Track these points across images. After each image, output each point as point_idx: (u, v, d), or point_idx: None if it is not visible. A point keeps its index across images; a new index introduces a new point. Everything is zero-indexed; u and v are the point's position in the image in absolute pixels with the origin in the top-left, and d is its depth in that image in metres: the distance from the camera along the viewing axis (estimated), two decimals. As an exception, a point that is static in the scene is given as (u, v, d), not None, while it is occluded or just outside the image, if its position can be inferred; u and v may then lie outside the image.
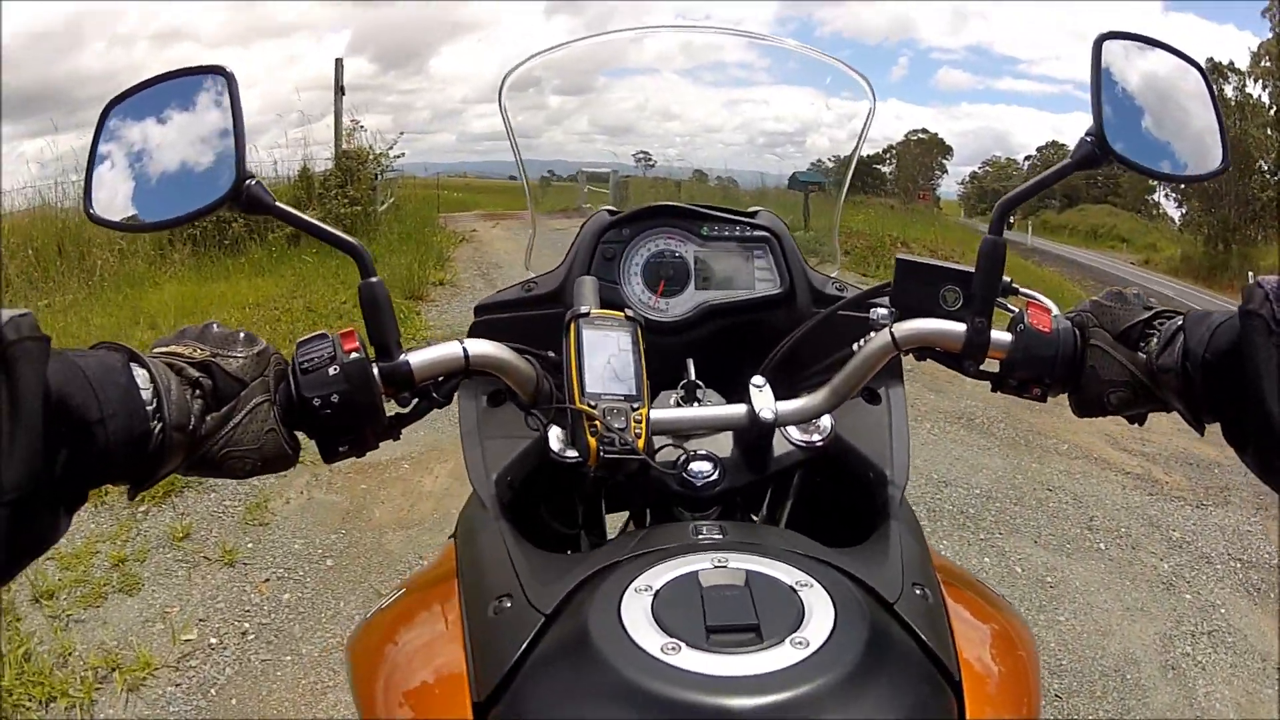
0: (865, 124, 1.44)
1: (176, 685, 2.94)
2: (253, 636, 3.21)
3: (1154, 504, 4.92)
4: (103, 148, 0.96)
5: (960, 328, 1.04)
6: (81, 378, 0.71)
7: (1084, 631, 3.57)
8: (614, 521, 1.29)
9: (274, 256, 10.50)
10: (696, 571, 0.81)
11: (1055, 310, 1.04)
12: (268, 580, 3.57)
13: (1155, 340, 0.95)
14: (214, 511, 4.09)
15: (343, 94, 12.76)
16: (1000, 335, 1.03)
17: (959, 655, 0.84)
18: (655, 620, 0.74)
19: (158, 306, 7.87)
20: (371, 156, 12.95)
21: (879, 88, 1.46)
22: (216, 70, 0.95)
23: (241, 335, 0.91)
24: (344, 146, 12.78)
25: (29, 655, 2.99)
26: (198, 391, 0.84)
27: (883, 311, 1.12)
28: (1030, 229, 53.95)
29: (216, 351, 0.88)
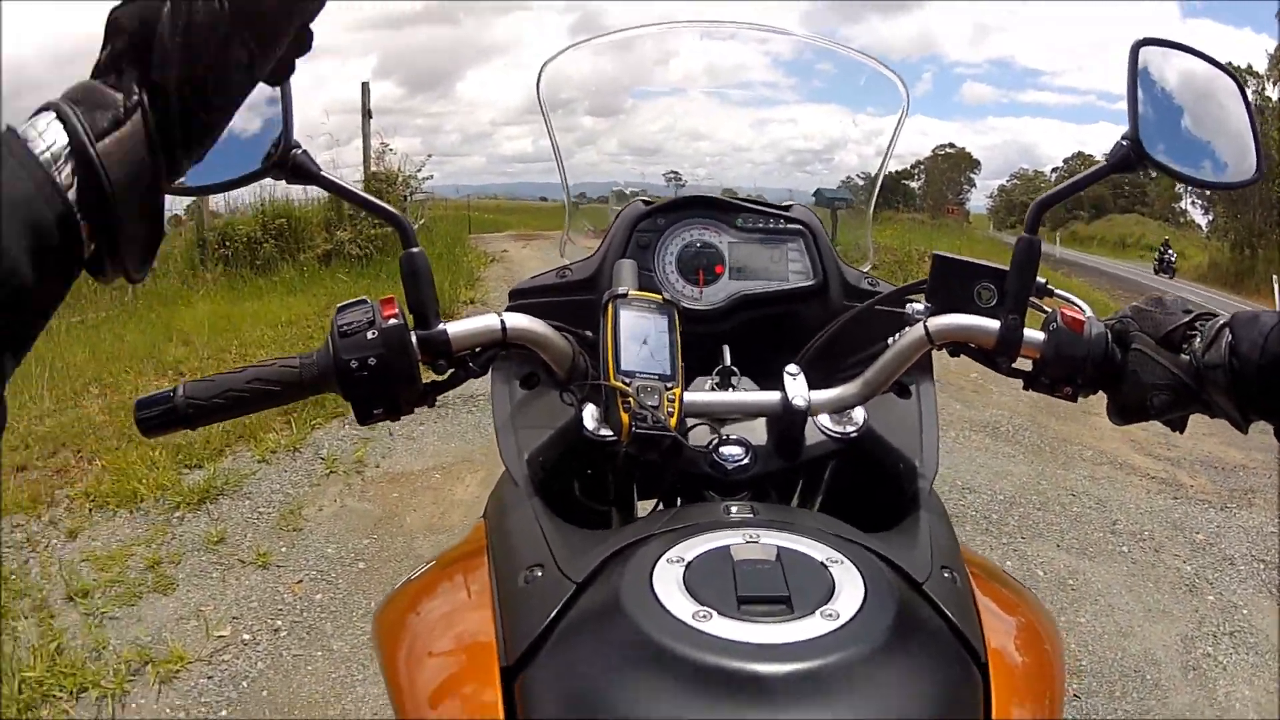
0: (900, 120, 1.44)
1: (209, 678, 3.01)
2: (285, 633, 3.28)
3: (1178, 507, 4.90)
4: None
5: (994, 324, 1.04)
6: None
7: (1104, 633, 3.57)
8: (644, 509, 1.28)
9: (306, 276, 10.59)
10: (728, 545, 0.81)
11: (1089, 312, 1.05)
12: (301, 581, 3.64)
13: (1198, 340, 0.95)
14: (248, 518, 4.16)
15: (370, 117, 12.86)
16: (1033, 334, 1.03)
17: (985, 639, 0.84)
18: (687, 589, 0.74)
19: (190, 324, 7.98)
20: (401, 178, 13.03)
21: (892, 99, 1.46)
22: None
23: None
24: (373, 169, 12.87)
25: (61, 649, 3.05)
26: None
27: (918, 307, 1.13)
28: (1059, 240, 53.25)
29: None
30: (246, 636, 3.25)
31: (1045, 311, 1.07)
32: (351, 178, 12.77)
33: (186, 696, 2.92)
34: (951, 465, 5.18)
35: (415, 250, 1.02)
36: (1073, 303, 1.07)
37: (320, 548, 3.93)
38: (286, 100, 0.95)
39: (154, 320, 8.37)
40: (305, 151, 0.97)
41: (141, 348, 7.14)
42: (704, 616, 0.70)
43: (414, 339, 0.98)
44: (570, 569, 0.85)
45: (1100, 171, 1.02)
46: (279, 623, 3.34)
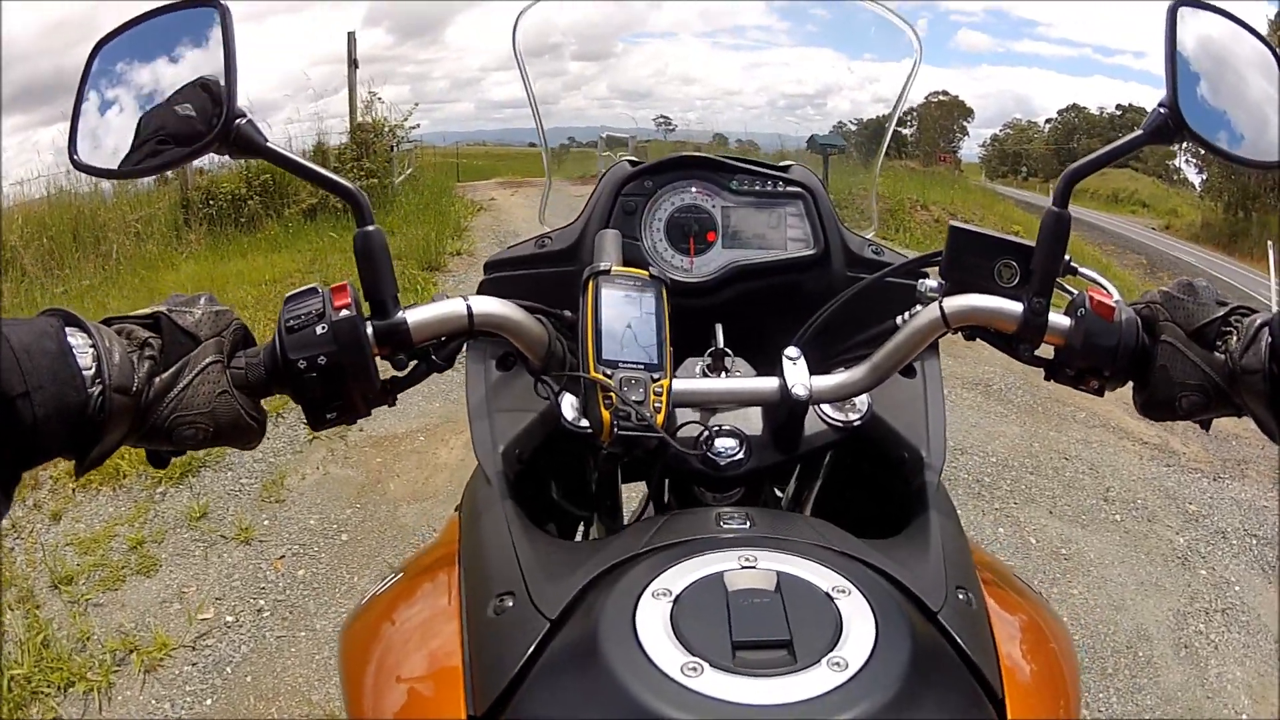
0: (911, 73, 1.35)
1: (193, 665, 2.97)
2: (268, 613, 3.24)
3: (1171, 475, 4.88)
4: (90, 91, 0.91)
5: (1017, 307, 0.96)
6: (5, 349, 0.66)
7: (1097, 605, 3.55)
8: (630, 491, 1.24)
9: (290, 232, 10.47)
10: (721, 573, 0.73)
11: (1118, 297, 0.96)
12: (283, 557, 3.60)
13: (1235, 339, 0.88)
14: (231, 490, 4.11)
15: (356, 67, 12.68)
16: (1059, 319, 0.96)
17: (1000, 667, 0.79)
18: (675, 633, 0.67)
19: (174, 287, 7.84)
20: (387, 128, 12.89)
21: (900, 49, 1.40)
22: (209, 3, 0.88)
23: (203, 298, 0.85)
24: (361, 119, 12.71)
25: (47, 642, 3.01)
26: (146, 352, 0.78)
27: (932, 284, 1.06)
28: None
29: (171, 308, 0.83)
30: (230, 618, 3.21)
31: (1070, 294, 0.99)
32: (338, 130, 12.64)
33: (171, 686, 2.89)
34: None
35: (371, 229, 0.90)
36: (1101, 285, 1.00)
37: (303, 520, 3.89)
38: (231, 70, 0.87)
39: (138, 285, 8.21)
40: (250, 121, 0.87)
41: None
42: (693, 670, 0.63)
43: (370, 331, 0.88)
44: (544, 600, 0.78)
45: (1136, 140, 0.94)
46: (261, 602, 3.30)
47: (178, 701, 2.82)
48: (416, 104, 14.98)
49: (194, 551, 3.63)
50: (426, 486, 4.17)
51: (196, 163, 10.57)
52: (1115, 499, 4.52)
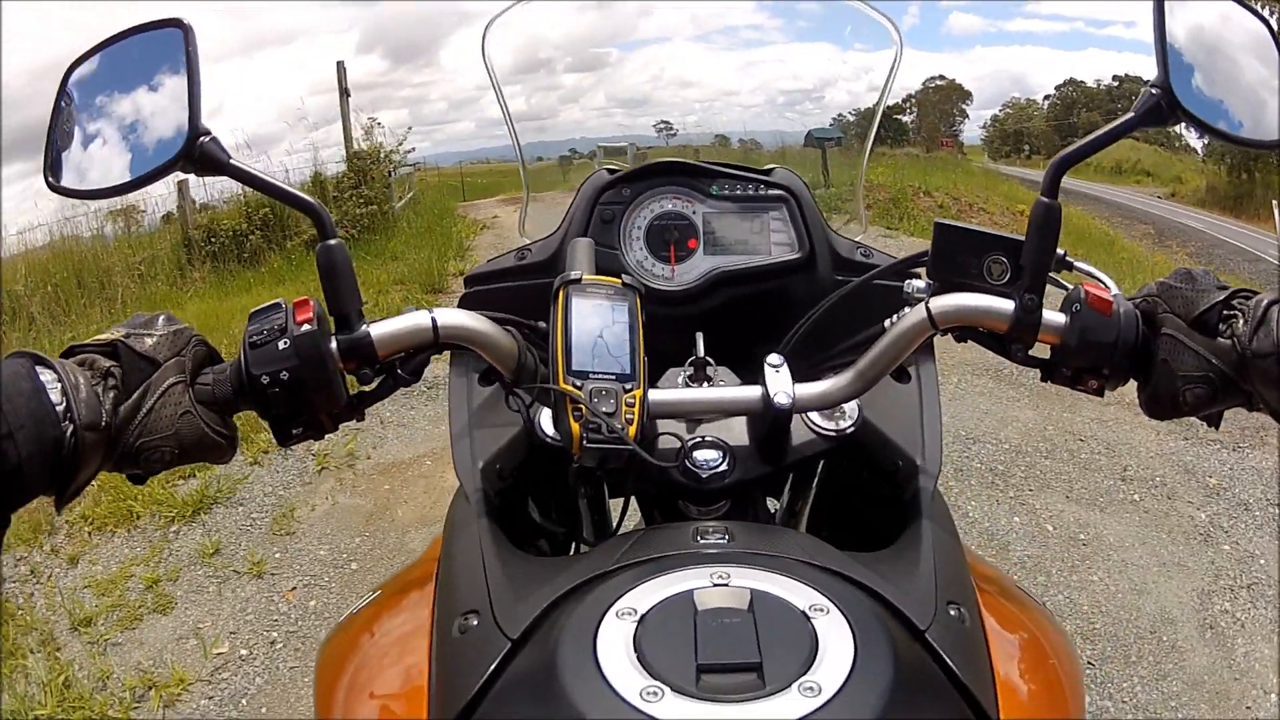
0: (892, 69, 1.30)
1: (210, 698, 2.99)
2: (281, 645, 3.25)
3: (1189, 449, 4.77)
4: (63, 113, 0.91)
5: (1008, 305, 0.90)
6: None
7: (1118, 591, 3.47)
8: (618, 507, 1.21)
9: (293, 264, 10.50)
10: (692, 591, 0.71)
11: (1115, 290, 0.91)
12: (294, 589, 3.60)
13: (1240, 322, 0.82)
14: (242, 525, 4.12)
15: (348, 96, 12.73)
16: (1053, 316, 0.91)
17: (996, 685, 0.76)
18: (637, 655, 0.64)
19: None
20: (383, 154, 12.91)
21: (881, 43, 1.35)
22: (174, 24, 0.88)
23: (161, 317, 0.86)
24: (361, 146, 12.74)
25: (69, 682, 3.04)
26: (110, 382, 0.78)
27: (919, 284, 1.01)
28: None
29: (130, 332, 0.83)
30: (244, 652, 3.22)
31: (1065, 289, 0.94)
32: (335, 159, 12.68)
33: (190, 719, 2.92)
34: (955, 414, 5.07)
35: (333, 242, 0.89)
36: (1096, 278, 0.95)
37: (313, 550, 3.89)
38: (194, 88, 0.86)
39: (145, 328, 8.22)
40: (214, 139, 0.86)
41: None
42: (653, 695, 0.60)
43: (334, 345, 0.86)
44: (507, 619, 0.77)
45: (1128, 124, 0.87)
46: (274, 634, 3.31)
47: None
48: (410, 128, 14.99)
49: (208, 588, 3.64)
50: (434, 511, 4.15)
51: (196, 199, 10.70)
52: (1133, 478, 4.44)
